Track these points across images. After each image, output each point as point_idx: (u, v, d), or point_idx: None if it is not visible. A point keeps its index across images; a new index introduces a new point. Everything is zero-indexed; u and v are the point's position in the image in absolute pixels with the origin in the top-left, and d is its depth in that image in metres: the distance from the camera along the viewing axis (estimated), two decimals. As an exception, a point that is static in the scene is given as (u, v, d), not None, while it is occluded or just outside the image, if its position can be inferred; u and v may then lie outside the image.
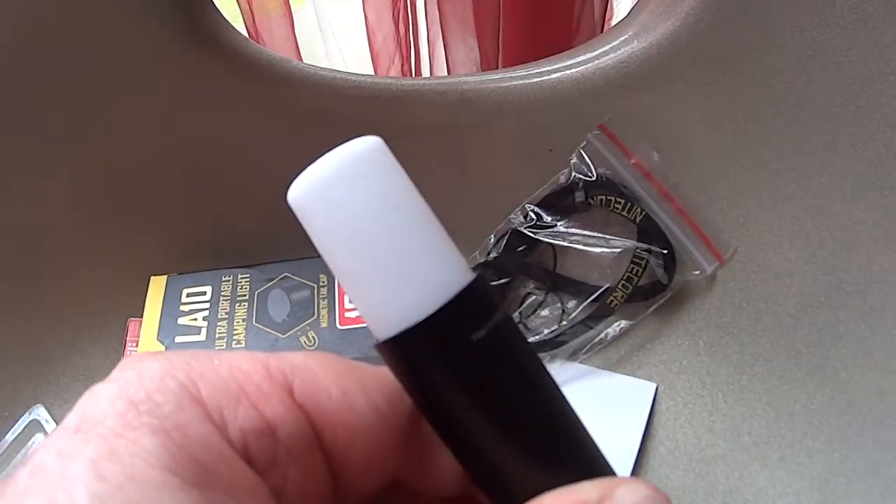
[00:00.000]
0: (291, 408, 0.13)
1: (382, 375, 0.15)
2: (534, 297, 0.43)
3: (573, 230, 0.43)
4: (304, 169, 0.14)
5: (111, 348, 0.44)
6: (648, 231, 0.42)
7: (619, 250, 0.42)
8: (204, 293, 0.41)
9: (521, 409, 0.14)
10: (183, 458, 0.11)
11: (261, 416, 0.13)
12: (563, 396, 0.15)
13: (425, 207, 0.14)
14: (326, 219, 0.14)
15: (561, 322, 0.42)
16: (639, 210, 0.42)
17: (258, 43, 0.50)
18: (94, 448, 0.11)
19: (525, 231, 0.42)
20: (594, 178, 0.42)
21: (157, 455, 0.11)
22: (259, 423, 0.13)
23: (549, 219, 0.43)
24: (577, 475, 0.14)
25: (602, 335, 0.42)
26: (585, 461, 0.15)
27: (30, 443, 0.40)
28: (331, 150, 0.14)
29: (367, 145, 0.14)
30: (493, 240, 0.43)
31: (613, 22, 0.73)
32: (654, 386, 0.41)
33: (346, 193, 0.13)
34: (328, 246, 0.14)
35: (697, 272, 0.42)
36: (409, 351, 0.14)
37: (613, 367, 0.42)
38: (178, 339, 0.39)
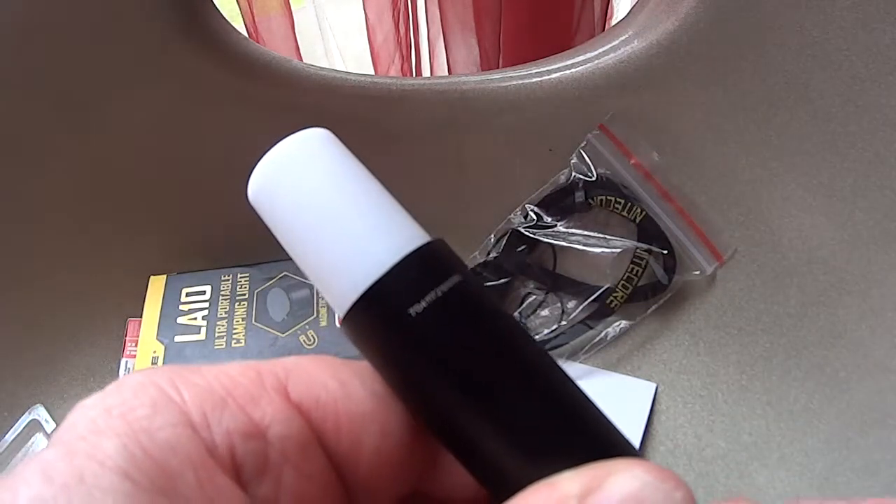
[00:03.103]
0: (284, 408, 0.13)
1: None
2: (534, 297, 0.43)
3: (573, 230, 0.43)
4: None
5: (111, 348, 0.44)
6: (648, 231, 0.42)
7: (619, 250, 0.42)
8: (203, 292, 0.41)
9: (484, 387, 0.13)
10: (144, 461, 0.11)
11: (248, 419, 0.12)
12: (556, 371, 0.13)
13: (373, 185, 0.14)
14: (275, 208, 0.14)
15: (561, 322, 0.42)
16: (639, 210, 0.42)
17: (258, 43, 0.50)
18: (55, 451, 0.11)
19: (525, 231, 0.42)
20: (594, 178, 0.42)
21: (115, 458, 0.11)
22: (246, 425, 0.12)
23: (548, 219, 0.43)
24: (567, 459, 0.12)
25: (602, 335, 0.42)
26: (579, 441, 0.13)
27: (30, 443, 0.40)
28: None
29: (303, 134, 0.14)
30: (493, 240, 0.43)
31: (613, 22, 0.73)
32: (654, 386, 0.41)
33: (288, 182, 0.14)
34: (282, 235, 0.14)
35: (697, 272, 0.42)
36: (356, 329, 0.14)
37: (613, 367, 0.42)
38: (178, 338, 0.39)
